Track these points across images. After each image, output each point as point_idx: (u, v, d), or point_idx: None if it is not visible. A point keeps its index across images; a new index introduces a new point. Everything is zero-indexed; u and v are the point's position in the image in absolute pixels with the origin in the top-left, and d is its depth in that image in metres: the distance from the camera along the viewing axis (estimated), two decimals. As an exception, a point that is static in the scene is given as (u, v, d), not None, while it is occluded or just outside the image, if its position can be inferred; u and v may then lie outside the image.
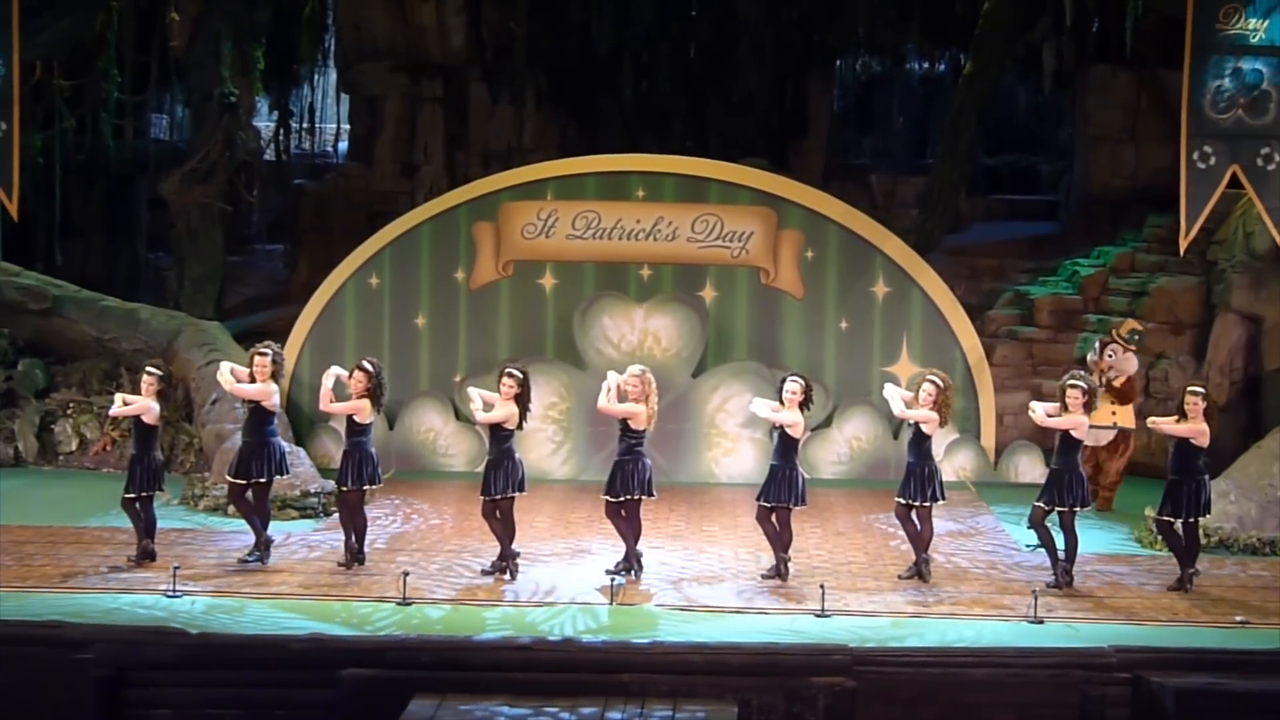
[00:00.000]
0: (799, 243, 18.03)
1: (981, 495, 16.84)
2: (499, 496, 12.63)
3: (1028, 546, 14.13)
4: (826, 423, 17.76)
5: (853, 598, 12.18)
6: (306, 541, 13.92)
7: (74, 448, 17.27)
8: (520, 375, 12.78)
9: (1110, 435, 15.87)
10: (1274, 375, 17.92)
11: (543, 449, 17.54)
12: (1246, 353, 18.15)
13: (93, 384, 17.86)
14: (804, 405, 12.76)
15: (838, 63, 25.59)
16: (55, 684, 10.37)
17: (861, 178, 24.21)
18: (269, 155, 24.38)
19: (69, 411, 17.44)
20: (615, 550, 13.81)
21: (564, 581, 12.61)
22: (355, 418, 12.86)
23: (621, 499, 12.74)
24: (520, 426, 12.84)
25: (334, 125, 26.89)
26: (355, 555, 12.85)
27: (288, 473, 13.52)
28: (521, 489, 12.72)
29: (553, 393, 17.50)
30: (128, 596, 11.87)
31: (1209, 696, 10.23)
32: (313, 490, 15.34)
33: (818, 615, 11.62)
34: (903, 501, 12.75)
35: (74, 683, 10.30)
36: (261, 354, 13.20)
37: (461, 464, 17.79)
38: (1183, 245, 15.34)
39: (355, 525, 12.94)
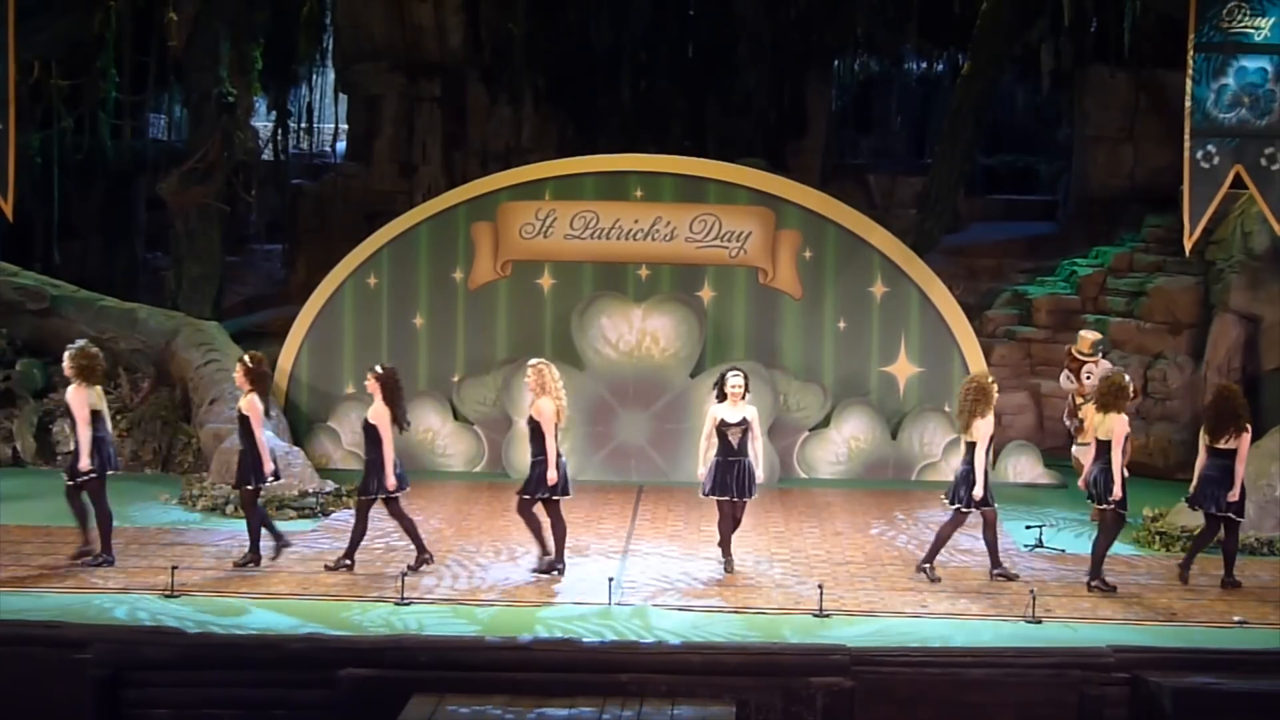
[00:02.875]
0: (797, 243, 18.03)
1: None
2: (376, 496, 12.76)
3: (1026, 547, 14.14)
4: (825, 423, 17.76)
5: (850, 598, 12.18)
6: (305, 541, 13.91)
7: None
8: (381, 372, 12.87)
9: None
10: (1272, 375, 17.93)
11: (541, 449, 17.52)
12: (1245, 352, 18.16)
13: (91, 384, 17.82)
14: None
15: (836, 63, 25.59)
16: (54, 683, 10.38)
17: (860, 178, 24.25)
18: (267, 155, 24.39)
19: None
20: (615, 550, 13.82)
21: (563, 581, 12.61)
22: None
23: (536, 497, 12.77)
24: (401, 427, 12.89)
25: (332, 125, 26.88)
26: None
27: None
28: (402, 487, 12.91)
29: (551, 393, 17.48)
30: (126, 596, 11.87)
31: (1207, 696, 10.24)
32: (311, 490, 15.34)
33: (816, 615, 11.63)
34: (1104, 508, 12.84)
35: (72, 682, 10.31)
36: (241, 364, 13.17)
37: (460, 464, 17.79)
38: (1188, 245, 15.28)
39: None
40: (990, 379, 13.13)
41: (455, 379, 18.00)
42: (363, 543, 13.00)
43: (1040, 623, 11.51)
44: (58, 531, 13.83)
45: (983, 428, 12.74)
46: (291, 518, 14.88)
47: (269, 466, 12.97)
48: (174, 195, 20.50)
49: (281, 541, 13.04)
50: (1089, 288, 20.03)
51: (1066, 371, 15.87)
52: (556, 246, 18.08)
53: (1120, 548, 14.27)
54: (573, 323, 17.64)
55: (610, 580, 12.22)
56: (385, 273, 18.20)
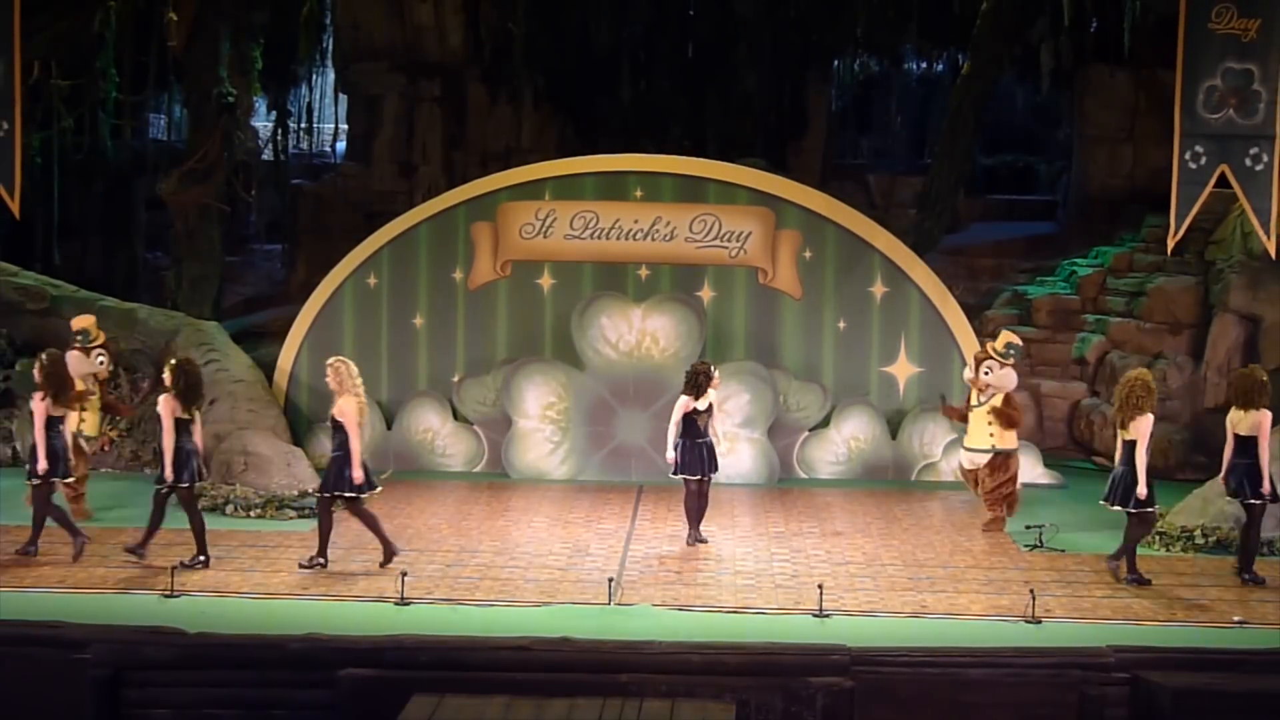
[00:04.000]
0: (797, 243, 18.03)
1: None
2: (333, 494, 12.96)
3: (1025, 546, 14.14)
4: (825, 423, 17.76)
5: (850, 598, 12.19)
6: (305, 542, 13.91)
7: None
8: (175, 364, 13.10)
9: (986, 457, 14.97)
10: (1272, 375, 17.88)
11: (541, 449, 17.54)
12: (1244, 352, 18.15)
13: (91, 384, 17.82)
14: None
15: (836, 63, 25.60)
16: (54, 684, 10.37)
17: (859, 178, 24.24)
18: (267, 155, 24.42)
19: (67, 411, 17.40)
20: (614, 550, 13.83)
21: (562, 581, 12.62)
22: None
23: (335, 495, 12.92)
24: (189, 415, 12.98)
25: (332, 125, 26.89)
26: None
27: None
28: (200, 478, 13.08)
29: (551, 393, 17.50)
30: (126, 596, 11.88)
31: (1207, 696, 10.24)
32: (311, 490, 15.31)
33: (816, 615, 11.64)
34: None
35: (72, 682, 10.31)
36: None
37: (459, 464, 17.78)
38: (1170, 243, 15.34)
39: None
40: (1152, 375, 13.23)
41: (455, 379, 17.99)
42: (331, 541, 13.05)
43: (1040, 623, 11.52)
44: (58, 532, 13.82)
45: (1143, 425, 12.68)
46: (291, 518, 14.88)
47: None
48: (174, 195, 20.52)
49: (79, 539, 13.05)
50: (1089, 288, 20.04)
51: (973, 361, 15.43)
52: (556, 246, 18.08)
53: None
54: (573, 323, 17.64)
55: (610, 580, 12.23)
56: (385, 273, 18.20)
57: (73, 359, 14.58)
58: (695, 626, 11.35)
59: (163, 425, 12.94)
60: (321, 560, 12.88)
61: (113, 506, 15.27)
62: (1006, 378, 14.94)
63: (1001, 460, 14.99)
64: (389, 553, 12.95)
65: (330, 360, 13.25)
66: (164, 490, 12.97)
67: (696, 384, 14.07)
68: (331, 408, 13.08)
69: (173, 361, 13.43)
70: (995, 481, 14.99)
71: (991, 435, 14.92)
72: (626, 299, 17.75)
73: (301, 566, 12.83)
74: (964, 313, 18.23)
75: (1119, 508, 12.84)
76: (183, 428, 12.94)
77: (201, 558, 12.88)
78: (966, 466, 15.31)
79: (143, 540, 12.97)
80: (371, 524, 13.03)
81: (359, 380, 13.06)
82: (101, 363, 15.15)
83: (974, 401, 15.07)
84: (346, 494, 12.88)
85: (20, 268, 19.09)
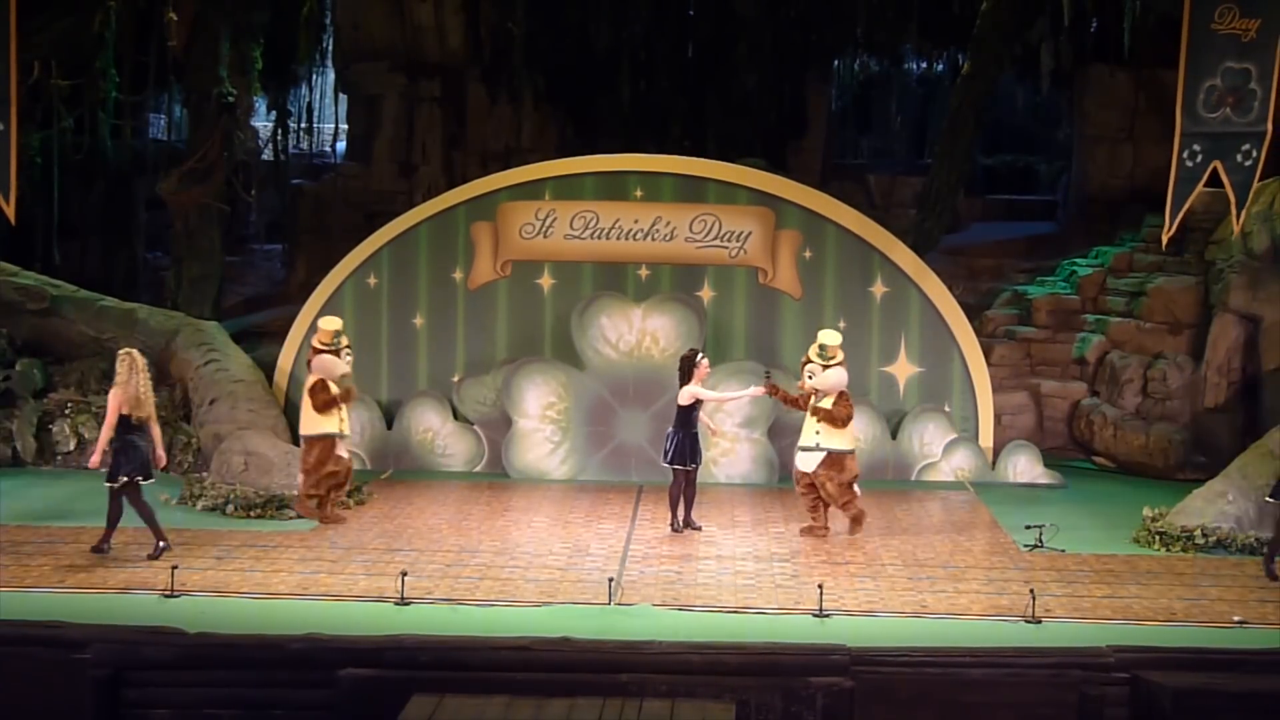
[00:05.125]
0: (797, 243, 18.03)
1: (980, 495, 16.84)
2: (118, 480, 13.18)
3: (1025, 546, 14.14)
4: (825, 423, 17.76)
5: (850, 598, 12.19)
6: (305, 542, 13.92)
7: (72, 448, 17.26)
8: (130, 356, 13.36)
9: (816, 457, 14.46)
10: (1272, 375, 17.93)
11: (541, 449, 17.54)
12: (1244, 352, 18.16)
13: (90, 384, 17.84)
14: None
15: (836, 63, 25.63)
16: (54, 684, 10.37)
17: (859, 178, 24.26)
18: (267, 155, 24.44)
19: (67, 411, 17.43)
20: (614, 550, 13.83)
21: (562, 581, 12.62)
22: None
23: (120, 482, 13.17)
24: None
25: (332, 125, 26.90)
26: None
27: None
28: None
29: (551, 393, 17.50)
30: (126, 596, 11.88)
31: (1207, 696, 10.24)
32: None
33: (816, 615, 11.64)
34: None
35: (73, 682, 10.31)
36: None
37: (460, 463, 17.78)
38: (1164, 239, 15.36)
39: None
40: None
41: (455, 379, 18.00)
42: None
43: (1040, 623, 11.52)
44: (58, 531, 13.86)
45: None
46: (291, 518, 14.88)
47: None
48: (174, 195, 20.52)
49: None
50: (1089, 288, 20.05)
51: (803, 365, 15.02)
52: (556, 246, 18.08)
53: (1120, 548, 14.31)
54: (573, 323, 17.64)
55: (610, 580, 12.23)
56: (385, 273, 18.21)
57: (328, 362, 14.72)
58: (695, 626, 11.35)
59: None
60: (105, 546, 13.18)
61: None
62: (831, 378, 14.46)
63: (835, 460, 14.49)
64: (158, 547, 13.14)
65: (123, 351, 13.49)
66: (114, 486, 13.16)
67: (690, 370, 14.75)
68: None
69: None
70: (835, 485, 14.52)
71: (818, 433, 14.48)
72: (626, 299, 17.76)
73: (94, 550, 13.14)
74: (964, 313, 18.23)
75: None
76: (126, 422, 13.16)
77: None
78: (799, 468, 14.74)
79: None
80: (148, 515, 13.25)
81: (141, 374, 13.25)
82: (349, 363, 15.16)
83: (813, 403, 14.63)
84: (108, 482, 13.18)
85: (20, 268, 19.09)
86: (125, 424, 13.15)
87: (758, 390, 15.18)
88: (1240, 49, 14.50)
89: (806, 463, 14.58)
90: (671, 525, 14.68)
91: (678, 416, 14.77)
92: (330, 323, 15.12)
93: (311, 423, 14.70)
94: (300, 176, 24.83)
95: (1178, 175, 14.70)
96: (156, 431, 13.44)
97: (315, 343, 15.04)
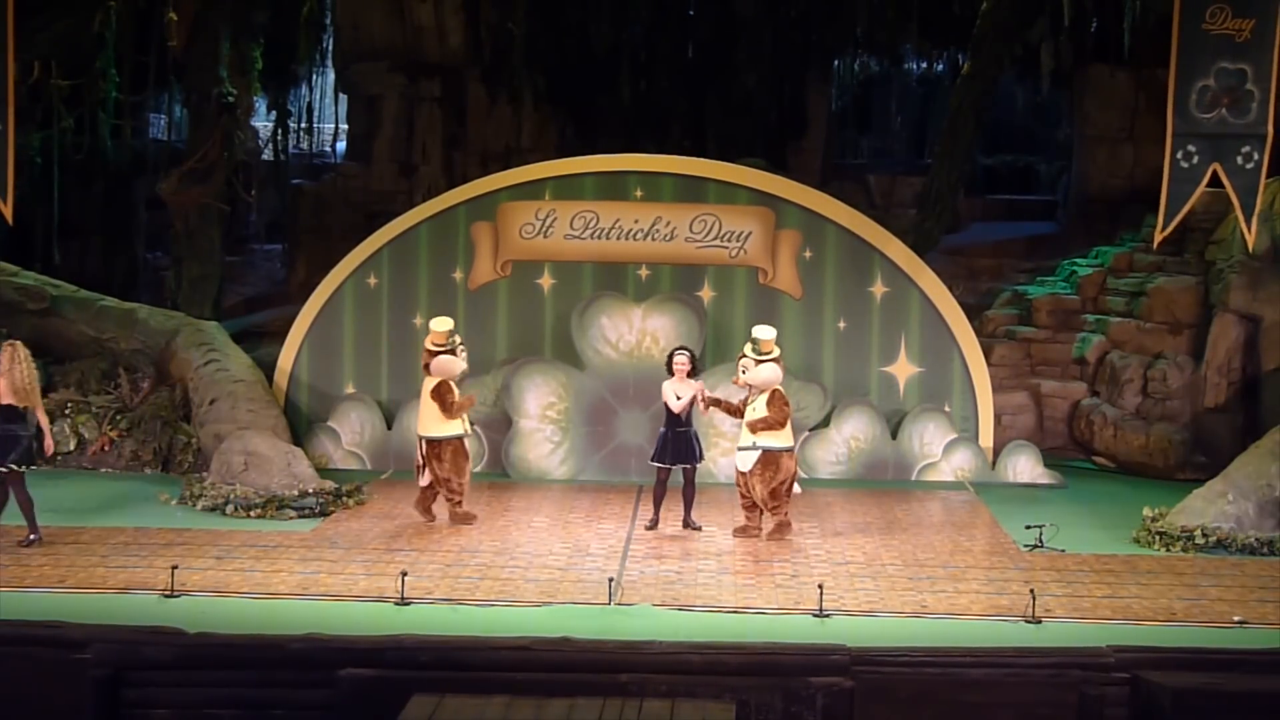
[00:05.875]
0: (797, 243, 18.03)
1: (980, 495, 16.84)
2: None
3: (1025, 546, 14.14)
4: (825, 423, 17.77)
5: (850, 598, 12.19)
6: (305, 542, 13.91)
7: (72, 447, 17.24)
8: (12, 347, 13.52)
9: (752, 457, 14.30)
10: (1272, 375, 17.94)
11: (541, 449, 17.54)
12: (1244, 352, 18.16)
13: (91, 384, 17.85)
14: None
15: (836, 63, 25.62)
16: (54, 684, 10.36)
17: (860, 178, 24.26)
18: (267, 155, 24.45)
19: (67, 411, 17.41)
20: (614, 550, 13.82)
21: (562, 581, 12.62)
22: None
23: (5, 470, 13.39)
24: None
25: (332, 125, 26.90)
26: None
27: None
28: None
29: (551, 393, 17.50)
30: (126, 596, 11.87)
31: (1207, 696, 10.23)
32: (311, 490, 15.32)
33: (816, 615, 11.63)
34: None
35: (72, 682, 10.30)
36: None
37: (460, 464, 17.77)
38: (1156, 239, 15.37)
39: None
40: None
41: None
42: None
43: (1040, 623, 11.52)
44: (57, 531, 13.84)
45: None
46: (291, 518, 14.88)
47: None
48: (174, 195, 20.52)
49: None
50: (1089, 288, 20.05)
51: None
52: (556, 246, 18.08)
53: (1119, 547, 14.31)
54: (573, 323, 17.64)
55: (610, 580, 12.23)
56: (385, 273, 18.21)
57: (447, 363, 14.75)
58: (695, 626, 11.34)
59: None
60: (34, 536, 13.36)
61: (112, 507, 15.27)
62: (763, 373, 14.24)
63: (771, 459, 14.30)
64: (28, 538, 13.31)
65: (7, 343, 13.67)
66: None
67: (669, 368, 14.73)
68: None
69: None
70: (768, 487, 14.32)
71: (755, 432, 14.38)
72: (626, 299, 17.76)
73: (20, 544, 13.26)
74: (964, 312, 18.23)
75: None
76: (7, 411, 13.37)
77: (33, 536, 13.32)
78: (736, 468, 14.61)
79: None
80: (25, 504, 13.41)
81: (22, 365, 13.43)
82: (465, 359, 15.17)
83: (747, 415, 14.48)
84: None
85: (20, 268, 19.08)
86: (7, 413, 13.37)
87: (700, 401, 14.59)
88: (1235, 49, 14.51)
89: (743, 462, 14.47)
90: (649, 523, 14.71)
91: (665, 415, 14.83)
92: (442, 323, 15.02)
93: (439, 425, 14.78)
94: (300, 176, 24.82)
95: (1171, 176, 14.71)
96: (44, 420, 13.69)
97: (429, 344, 14.93)
